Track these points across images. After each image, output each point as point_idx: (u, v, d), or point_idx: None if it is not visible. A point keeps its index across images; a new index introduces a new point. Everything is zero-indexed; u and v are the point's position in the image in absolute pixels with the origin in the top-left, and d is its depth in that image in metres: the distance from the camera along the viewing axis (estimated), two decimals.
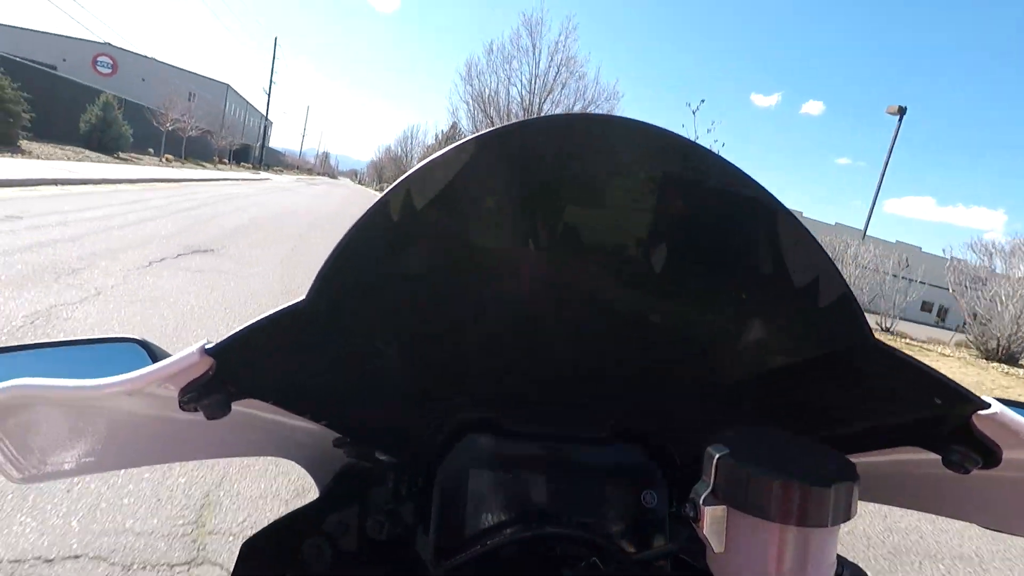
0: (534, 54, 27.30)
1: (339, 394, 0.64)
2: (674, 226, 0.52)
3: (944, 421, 0.49)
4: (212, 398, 0.48)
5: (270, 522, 0.66)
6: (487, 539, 0.63)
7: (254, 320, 0.47)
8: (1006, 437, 0.46)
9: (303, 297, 0.49)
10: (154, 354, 0.69)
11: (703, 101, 13.93)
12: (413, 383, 0.65)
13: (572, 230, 0.52)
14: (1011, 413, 0.45)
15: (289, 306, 0.49)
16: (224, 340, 0.47)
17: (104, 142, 23.01)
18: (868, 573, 0.62)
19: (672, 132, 0.48)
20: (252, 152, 61.06)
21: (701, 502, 0.49)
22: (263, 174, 44.29)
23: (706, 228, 0.51)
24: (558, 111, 26.24)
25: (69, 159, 17.45)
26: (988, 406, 0.46)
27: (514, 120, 0.52)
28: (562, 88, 26.96)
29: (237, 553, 0.63)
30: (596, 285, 0.56)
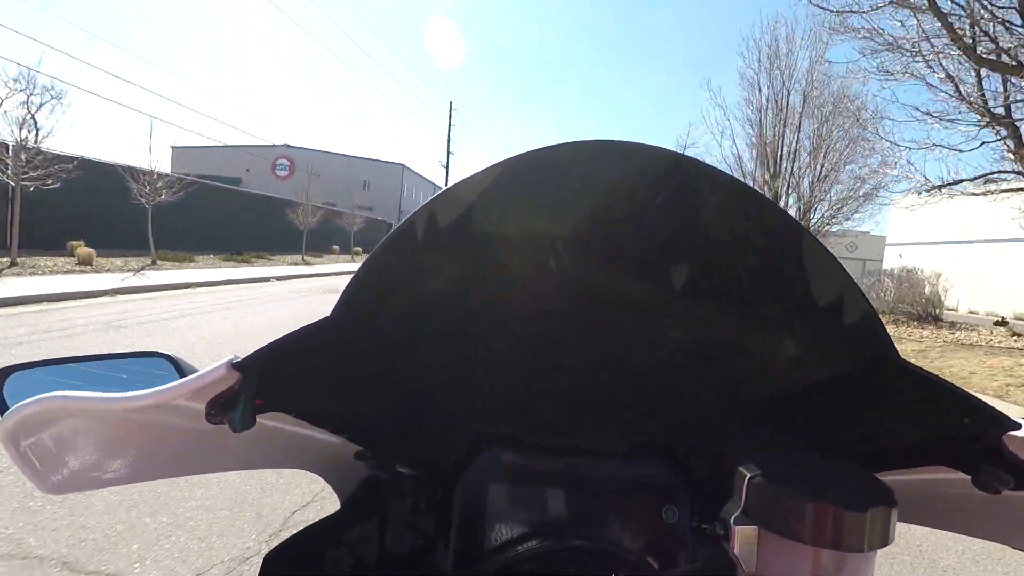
0: None
1: (361, 408, 0.68)
2: (693, 246, 0.54)
3: (974, 441, 0.50)
4: (238, 411, 0.51)
5: (292, 534, 0.69)
6: (508, 552, 0.64)
7: (281, 336, 0.51)
8: None
9: (328, 315, 0.53)
10: (181, 368, 0.73)
11: None
12: (434, 397, 0.67)
13: (592, 249, 0.55)
14: None
15: (315, 323, 0.52)
16: (251, 355, 0.50)
17: None
18: None
19: (692, 158, 0.51)
20: None
21: (732, 521, 0.50)
22: None
23: (725, 249, 0.54)
24: None
25: None
26: (1019, 427, 0.46)
27: None
28: None
29: (260, 565, 0.65)
30: (616, 302, 0.58)
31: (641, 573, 0.63)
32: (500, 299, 0.58)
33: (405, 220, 0.51)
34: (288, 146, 49.73)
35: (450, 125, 45.08)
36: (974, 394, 0.48)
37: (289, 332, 0.51)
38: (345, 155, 53.90)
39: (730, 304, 0.57)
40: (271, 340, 0.50)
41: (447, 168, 44.67)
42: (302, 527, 0.69)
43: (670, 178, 0.51)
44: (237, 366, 0.49)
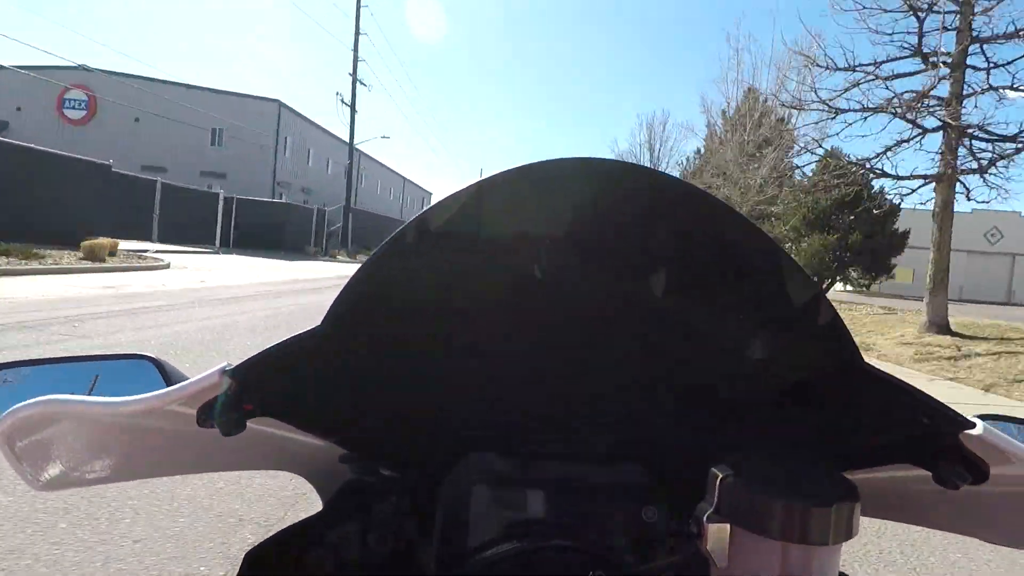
0: None
1: (348, 413, 0.73)
2: (673, 260, 0.60)
3: (933, 440, 0.55)
4: (229, 416, 0.56)
5: (273, 534, 0.73)
6: (489, 552, 0.69)
7: (273, 344, 0.57)
8: (992, 455, 0.52)
9: (319, 323, 0.58)
10: (165, 371, 0.77)
11: None
12: (420, 402, 0.73)
13: (575, 260, 0.60)
14: (995, 432, 0.51)
15: (306, 332, 0.57)
16: (243, 363, 0.56)
17: None
18: None
19: (672, 177, 0.57)
20: (325, 223, 35.16)
21: (705, 519, 0.55)
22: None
23: (704, 264, 0.60)
24: None
25: None
26: (973, 426, 0.52)
27: None
28: None
29: (240, 564, 0.70)
30: (598, 309, 0.64)
31: (619, 570, 0.69)
32: (486, 308, 0.64)
33: (396, 232, 0.57)
34: (86, 69, 31.98)
35: (357, 31, 30.61)
36: (932, 396, 0.55)
37: (281, 341, 0.56)
38: (184, 85, 36.67)
39: (708, 316, 0.63)
40: (262, 348, 0.56)
41: (352, 106, 30.53)
42: (284, 527, 0.74)
43: (649, 196, 0.57)
44: (229, 373, 0.54)
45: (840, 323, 0.57)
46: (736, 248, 0.58)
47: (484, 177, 0.55)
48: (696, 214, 0.57)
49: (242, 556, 0.70)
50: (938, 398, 0.55)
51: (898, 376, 0.57)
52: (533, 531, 0.71)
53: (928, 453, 0.56)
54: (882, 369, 0.57)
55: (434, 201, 0.57)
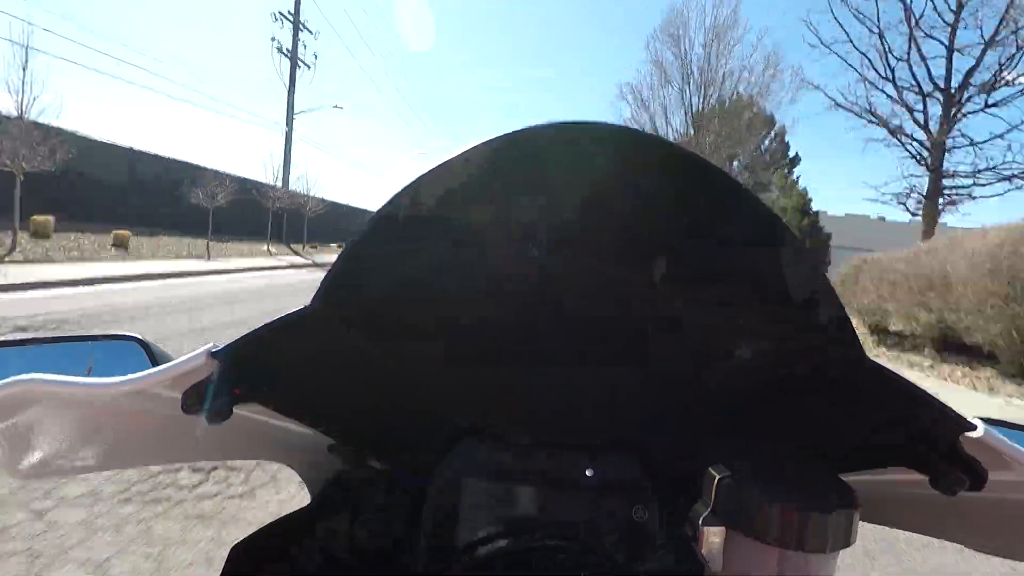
0: None
1: (337, 400, 0.71)
2: (675, 239, 0.57)
3: (932, 442, 0.54)
4: (216, 402, 0.54)
5: (260, 527, 0.72)
6: (479, 549, 0.68)
7: (261, 326, 0.54)
8: (991, 459, 0.50)
9: (308, 304, 0.56)
10: (152, 352, 0.74)
11: None
12: (409, 390, 0.71)
13: (574, 238, 0.58)
14: (996, 436, 0.49)
15: (294, 312, 0.55)
16: (230, 344, 0.53)
17: None
18: None
19: (679, 146, 0.54)
20: None
21: (700, 522, 0.54)
22: None
23: (707, 242, 0.57)
24: None
25: None
26: (974, 428, 0.50)
27: None
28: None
29: (226, 557, 0.68)
30: (595, 294, 0.62)
31: (610, 571, 0.68)
32: (479, 288, 0.61)
33: (384, 206, 0.54)
34: None
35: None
36: (933, 395, 0.53)
37: (269, 321, 0.54)
38: None
39: (707, 301, 0.60)
40: (251, 329, 0.53)
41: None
42: (271, 520, 0.72)
43: (660, 167, 0.53)
44: (216, 355, 0.52)
45: (844, 317, 0.55)
46: (748, 237, 0.54)
47: (479, 143, 0.50)
48: (703, 191, 0.53)
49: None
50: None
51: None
52: (523, 528, 0.69)
53: (926, 456, 0.55)
54: (884, 365, 0.54)
55: (416, 172, 0.51)
